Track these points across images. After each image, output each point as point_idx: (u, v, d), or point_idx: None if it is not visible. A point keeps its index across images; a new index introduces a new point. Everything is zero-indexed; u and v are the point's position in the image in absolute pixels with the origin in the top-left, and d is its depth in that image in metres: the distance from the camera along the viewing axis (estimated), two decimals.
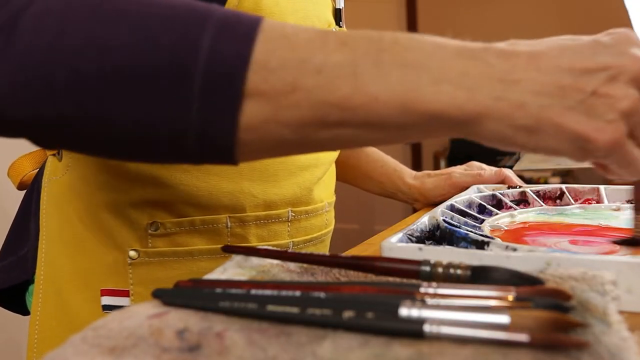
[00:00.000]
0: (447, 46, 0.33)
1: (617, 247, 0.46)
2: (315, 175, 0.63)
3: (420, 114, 0.32)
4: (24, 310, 0.64)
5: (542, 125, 0.32)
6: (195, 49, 0.32)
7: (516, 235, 0.51)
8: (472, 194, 0.64)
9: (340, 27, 0.65)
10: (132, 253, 0.55)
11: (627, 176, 0.37)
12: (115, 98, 0.32)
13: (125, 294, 0.55)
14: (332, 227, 0.69)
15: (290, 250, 0.40)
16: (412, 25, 3.53)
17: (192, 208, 0.55)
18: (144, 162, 0.53)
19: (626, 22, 1.66)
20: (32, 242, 0.60)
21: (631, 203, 0.47)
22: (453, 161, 2.78)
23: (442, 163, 3.29)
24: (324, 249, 0.68)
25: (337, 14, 0.65)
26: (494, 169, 0.78)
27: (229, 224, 0.56)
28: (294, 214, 0.61)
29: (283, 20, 0.54)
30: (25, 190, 0.66)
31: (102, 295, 0.55)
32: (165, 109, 0.32)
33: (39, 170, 0.63)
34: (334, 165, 0.70)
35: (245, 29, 0.32)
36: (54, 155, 0.60)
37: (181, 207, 0.55)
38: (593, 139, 0.32)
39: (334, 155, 0.68)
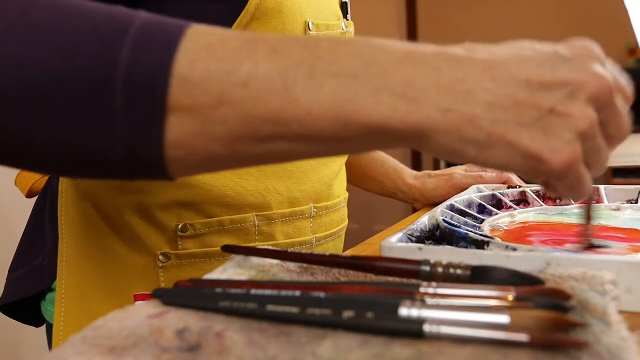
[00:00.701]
0: (392, 51, 0.31)
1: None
2: (334, 170, 0.64)
3: (359, 127, 0.30)
4: (37, 322, 0.63)
5: (494, 141, 0.30)
6: (114, 61, 0.30)
7: (516, 235, 0.51)
8: (472, 194, 0.64)
9: (347, 20, 0.65)
10: (162, 257, 0.54)
11: (572, 198, 0.35)
12: (34, 115, 0.30)
13: None
14: (347, 222, 0.70)
15: (290, 250, 0.40)
16: (412, 25, 3.53)
17: (220, 208, 0.55)
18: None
19: (626, 22, 1.67)
20: (48, 251, 0.59)
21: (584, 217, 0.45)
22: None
23: (442, 163, 3.29)
24: (340, 244, 0.69)
25: (343, 8, 0.65)
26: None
27: (256, 222, 0.56)
28: (316, 210, 0.62)
29: (302, 12, 0.55)
30: (33, 198, 0.65)
31: (136, 300, 0.54)
32: (88, 124, 0.30)
33: (50, 177, 0.62)
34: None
35: (167, 38, 0.30)
36: None
37: (209, 208, 0.55)
38: (547, 160, 0.30)
39: None
